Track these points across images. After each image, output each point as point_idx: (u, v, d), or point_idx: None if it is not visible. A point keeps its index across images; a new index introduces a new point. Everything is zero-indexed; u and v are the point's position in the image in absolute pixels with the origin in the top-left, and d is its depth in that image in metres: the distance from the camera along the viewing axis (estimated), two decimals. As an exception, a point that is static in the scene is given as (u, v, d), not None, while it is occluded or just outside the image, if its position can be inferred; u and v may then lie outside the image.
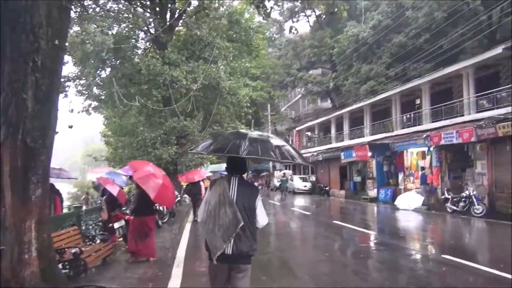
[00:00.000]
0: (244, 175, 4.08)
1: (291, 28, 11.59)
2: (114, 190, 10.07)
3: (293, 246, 10.86)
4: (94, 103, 22.25)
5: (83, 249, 7.93)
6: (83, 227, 9.28)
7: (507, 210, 16.33)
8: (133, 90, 18.92)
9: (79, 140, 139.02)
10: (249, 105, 25.72)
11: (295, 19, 52.70)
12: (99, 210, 10.42)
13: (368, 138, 30.18)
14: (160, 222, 14.49)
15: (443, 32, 27.58)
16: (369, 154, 26.77)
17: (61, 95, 21.44)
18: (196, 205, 16.47)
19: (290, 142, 48.02)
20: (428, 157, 21.95)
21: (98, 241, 8.88)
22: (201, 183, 18.03)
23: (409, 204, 19.81)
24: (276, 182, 42.63)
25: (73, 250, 7.04)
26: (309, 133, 47.59)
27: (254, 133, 3.99)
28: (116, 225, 9.56)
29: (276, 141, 3.93)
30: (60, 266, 6.76)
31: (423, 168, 21.67)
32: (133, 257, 8.61)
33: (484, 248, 11.05)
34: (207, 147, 3.94)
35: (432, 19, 28.07)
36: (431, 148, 20.92)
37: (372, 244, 11.00)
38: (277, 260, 8.46)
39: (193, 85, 20.65)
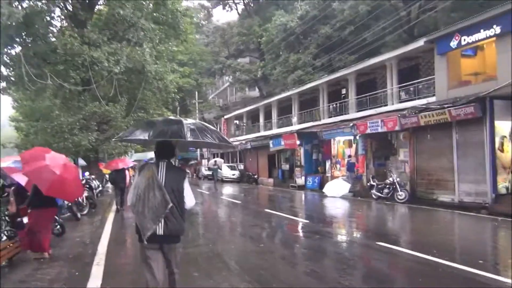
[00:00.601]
0: (172, 161, 4.27)
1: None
2: (22, 180, 8.87)
3: (225, 237, 10.31)
4: (3, 84, 19.95)
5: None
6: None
7: (427, 195, 17.18)
8: (47, 70, 17.14)
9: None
10: (176, 91, 24.66)
11: (223, 6, 52.06)
12: (5, 203, 9.14)
13: (296, 127, 30.46)
14: (79, 214, 13.34)
15: (367, 25, 28.49)
16: (298, 142, 26.98)
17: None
18: (119, 194, 15.96)
19: (218, 130, 47.50)
20: (354, 145, 22.53)
21: (3, 238, 7.76)
22: (126, 171, 17.22)
23: (336, 191, 20.18)
24: (204, 171, 41.98)
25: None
26: (237, 122, 47.30)
27: (189, 120, 4.21)
28: (25, 220, 8.41)
29: (210, 127, 4.27)
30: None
31: (349, 156, 22.23)
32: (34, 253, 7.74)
33: (408, 232, 11.35)
34: (143, 133, 4.06)
35: (356, 12, 28.84)
36: (357, 137, 21.44)
37: (304, 232, 10.73)
38: (209, 253, 7.83)
39: (116, 68, 19.24)
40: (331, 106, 27.82)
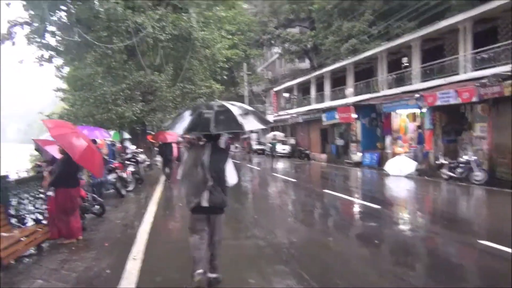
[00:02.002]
0: (223, 140, 5.18)
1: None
2: (56, 153, 7.80)
3: (282, 225, 8.27)
4: (48, 53, 19.31)
5: (2, 234, 5.82)
6: (15, 203, 7.03)
7: (509, 177, 14.94)
8: (90, 37, 16.18)
9: (38, 98, 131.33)
10: (224, 60, 23.16)
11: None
12: (39, 180, 8.14)
13: (351, 99, 28.30)
14: (123, 191, 12.36)
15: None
16: (354, 115, 24.98)
17: (8, 42, 18.52)
18: (167, 166, 16.30)
19: (268, 103, 45.96)
20: (419, 119, 20.30)
21: (30, 223, 6.75)
22: (173, 144, 17.09)
23: (400, 170, 18.17)
24: (255, 145, 40.87)
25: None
26: (287, 94, 45.41)
27: (235, 108, 4.37)
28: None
29: (251, 109, 4.61)
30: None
31: (419, 127, 19.94)
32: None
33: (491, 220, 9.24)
34: (179, 126, 4.39)
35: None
36: (424, 109, 19.20)
37: (380, 221, 8.70)
38: (266, 247, 6.33)
39: (161, 35, 18.04)
40: (391, 77, 25.38)
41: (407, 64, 25.64)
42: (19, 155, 43.89)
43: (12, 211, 6.87)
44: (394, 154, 21.96)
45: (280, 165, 26.55)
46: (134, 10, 17.75)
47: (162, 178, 17.24)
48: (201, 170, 4.40)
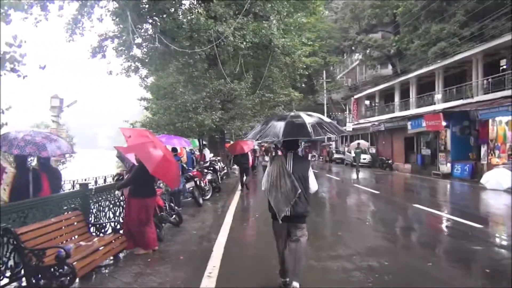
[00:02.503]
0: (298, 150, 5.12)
1: None
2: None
3: (373, 246, 7.20)
4: (135, 64, 20.20)
5: (81, 243, 5.80)
6: (94, 211, 7.09)
7: None
8: (173, 47, 16.57)
9: (127, 107, 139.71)
10: (305, 66, 22.66)
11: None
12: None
13: (440, 106, 26.35)
14: (201, 200, 12.30)
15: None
16: (443, 123, 23.13)
17: (99, 56, 19.64)
18: (244, 174, 16.51)
19: (347, 111, 44.61)
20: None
21: (109, 231, 6.71)
22: (249, 153, 17.17)
23: (499, 183, 16.31)
24: (336, 154, 39.78)
25: (58, 252, 4.82)
26: (368, 102, 43.76)
27: (309, 118, 4.69)
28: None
29: (326, 120, 4.94)
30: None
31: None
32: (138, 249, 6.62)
33: None
34: (258, 134, 4.87)
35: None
36: (529, 116, 17.17)
37: (488, 244, 7.45)
38: (355, 271, 5.73)
39: (242, 43, 18.02)
40: (486, 81, 23.14)
41: (506, 66, 23.34)
42: (108, 162, 46.94)
43: (91, 219, 6.91)
44: (490, 166, 19.91)
45: (361, 175, 25.34)
46: (216, 19, 17.92)
47: (239, 187, 17.11)
48: (288, 180, 4.57)
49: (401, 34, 37.50)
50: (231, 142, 26.01)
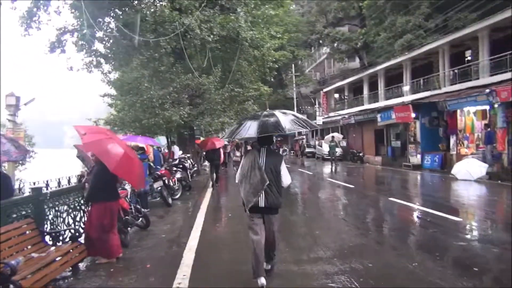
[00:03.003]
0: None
1: None
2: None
3: (355, 246, 6.70)
4: (97, 59, 19.19)
5: (32, 255, 5.18)
6: (51, 218, 6.41)
7: None
8: (136, 40, 15.79)
9: (93, 105, 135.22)
10: (274, 59, 22.20)
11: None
12: (79, 191, 7.53)
13: (408, 97, 26.53)
14: (170, 200, 11.69)
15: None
16: (413, 115, 23.24)
17: (58, 51, 18.58)
18: (213, 171, 16.31)
19: (317, 105, 44.60)
20: (489, 116, 18.39)
21: (67, 240, 6.09)
22: (221, 149, 17.17)
23: (470, 173, 16.39)
24: (307, 148, 39.44)
25: (3, 267, 4.19)
26: (337, 95, 43.88)
27: (282, 116, 4.92)
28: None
29: (299, 116, 5.21)
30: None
31: (487, 126, 17.94)
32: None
33: None
34: (234, 133, 5.08)
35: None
36: (496, 106, 17.32)
37: (471, 239, 7.17)
38: (339, 276, 5.32)
39: (209, 36, 17.38)
40: (453, 72, 23.36)
41: (471, 57, 23.66)
42: (74, 161, 45.09)
43: (47, 226, 6.25)
44: (459, 156, 20.12)
45: (334, 168, 25.23)
46: (181, 12, 17.23)
47: (210, 184, 16.59)
48: (258, 172, 4.77)
49: (368, 27, 37.70)
50: (201, 139, 25.39)
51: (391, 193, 13.94)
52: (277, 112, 4.99)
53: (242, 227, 7.71)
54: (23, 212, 5.82)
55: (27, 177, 25.82)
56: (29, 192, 6.30)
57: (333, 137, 27.07)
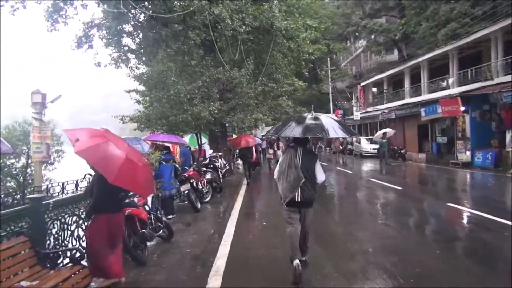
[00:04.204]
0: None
1: None
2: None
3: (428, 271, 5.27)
4: (125, 55, 18.44)
5: (22, 285, 4.20)
6: (54, 232, 5.44)
7: None
8: (164, 32, 14.85)
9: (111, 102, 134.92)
10: (311, 51, 20.77)
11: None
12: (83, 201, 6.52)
13: (454, 90, 24.52)
14: (198, 204, 10.63)
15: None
16: (462, 108, 21.35)
17: (85, 46, 17.97)
18: (247, 169, 16.77)
19: (355, 99, 42.74)
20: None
21: (66, 262, 5.08)
22: (253, 147, 17.17)
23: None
24: (354, 146, 36.80)
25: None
26: (375, 89, 41.91)
27: (310, 119, 5.32)
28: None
29: (341, 122, 5.99)
30: None
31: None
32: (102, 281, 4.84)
33: None
34: (279, 131, 5.62)
35: None
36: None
37: None
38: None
39: (241, 27, 16.28)
40: (507, 61, 21.23)
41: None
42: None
43: (49, 243, 5.28)
44: (517, 153, 18.19)
45: (373, 166, 23.66)
46: (211, 2, 16.21)
47: (244, 184, 15.50)
48: (295, 170, 5.18)
49: (408, 17, 35.60)
50: (234, 136, 24.34)
51: (449, 197, 12.18)
52: (322, 116, 5.43)
53: (279, 240, 6.59)
54: (17, 229, 4.85)
55: (57, 177, 25.75)
56: (28, 203, 5.31)
57: (384, 133, 25.08)
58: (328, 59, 45.06)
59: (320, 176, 5.41)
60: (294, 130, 5.18)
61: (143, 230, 6.12)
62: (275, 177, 5.55)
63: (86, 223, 5.55)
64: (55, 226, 5.58)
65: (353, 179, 18.44)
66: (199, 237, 7.64)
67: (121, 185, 4.55)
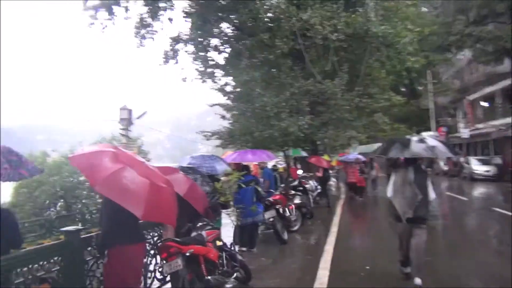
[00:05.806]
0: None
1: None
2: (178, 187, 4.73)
3: None
4: (210, 69, 17.72)
5: None
6: (98, 275, 4.18)
7: None
8: (249, 42, 13.70)
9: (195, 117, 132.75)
10: (412, 59, 18.27)
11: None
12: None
13: None
14: (285, 235, 8.98)
15: None
16: None
17: (172, 61, 17.54)
18: (325, 190, 16.02)
19: (461, 115, 38.65)
20: None
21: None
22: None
23: None
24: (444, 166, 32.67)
25: None
26: (485, 104, 37.50)
27: (416, 142, 5.60)
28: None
29: (434, 143, 5.63)
30: None
31: None
32: None
33: None
34: (386, 150, 5.87)
35: None
36: None
37: None
38: None
39: (333, 35, 14.61)
40: None
41: None
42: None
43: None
44: None
45: (486, 191, 20.18)
46: (299, 8, 14.83)
47: (339, 208, 13.57)
48: (410, 187, 5.49)
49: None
50: (324, 156, 22.29)
51: None
52: (428, 139, 5.70)
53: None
54: (42, 273, 3.60)
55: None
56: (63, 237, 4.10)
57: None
58: (429, 72, 41.46)
59: (431, 194, 5.59)
60: (402, 151, 5.45)
61: (209, 277, 4.58)
62: (388, 195, 5.73)
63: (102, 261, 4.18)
64: (99, 266, 4.30)
65: (471, 209, 15.34)
66: (283, 281, 5.97)
67: (154, 219, 3.24)
